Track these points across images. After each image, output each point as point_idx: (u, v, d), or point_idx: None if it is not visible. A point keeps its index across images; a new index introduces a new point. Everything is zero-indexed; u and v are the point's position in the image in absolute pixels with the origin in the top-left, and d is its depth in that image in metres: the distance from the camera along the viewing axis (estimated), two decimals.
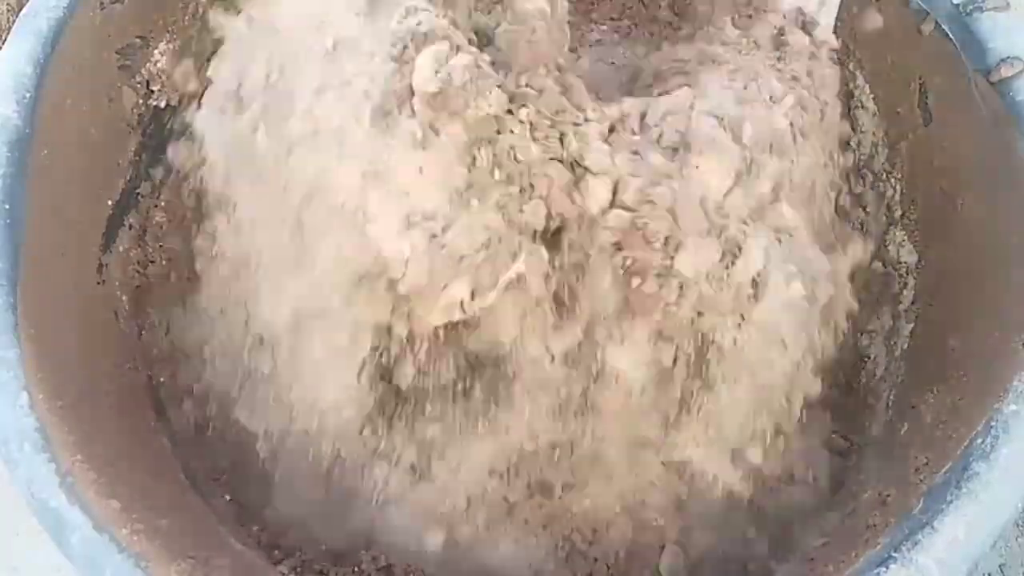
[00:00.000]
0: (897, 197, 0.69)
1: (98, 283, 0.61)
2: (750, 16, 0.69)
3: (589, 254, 0.54)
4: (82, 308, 0.58)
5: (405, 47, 0.52)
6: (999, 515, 0.45)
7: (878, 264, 0.71)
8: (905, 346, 0.65)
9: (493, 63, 0.52)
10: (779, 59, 0.65)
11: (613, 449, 0.60)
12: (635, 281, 0.53)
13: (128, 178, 0.66)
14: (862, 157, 0.73)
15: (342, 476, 0.63)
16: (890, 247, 0.70)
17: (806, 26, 0.68)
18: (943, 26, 0.59)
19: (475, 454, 0.60)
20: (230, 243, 0.64)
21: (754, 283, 0.54)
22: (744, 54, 0.65)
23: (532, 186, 0.52)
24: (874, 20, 0.68)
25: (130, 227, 0.66)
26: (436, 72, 0.50)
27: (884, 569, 0.44)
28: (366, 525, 0.63)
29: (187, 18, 0.69)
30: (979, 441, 0.47)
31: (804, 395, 0.61)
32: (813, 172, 0.63)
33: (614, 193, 0.53)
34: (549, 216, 0.52)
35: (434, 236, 0.51)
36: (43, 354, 0.50)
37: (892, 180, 0.70)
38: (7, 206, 0.51)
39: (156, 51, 0.67)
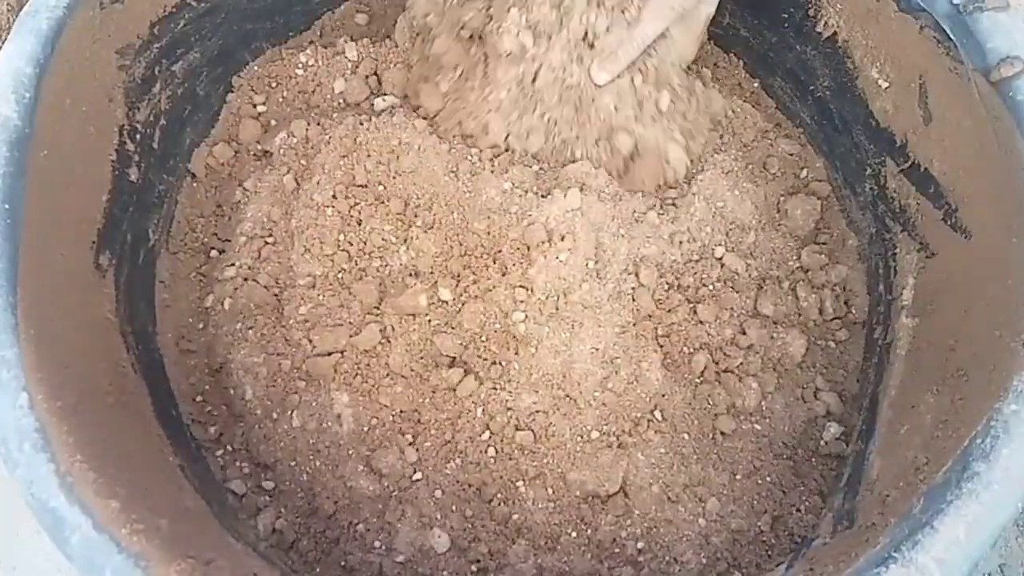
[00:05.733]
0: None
1: (97, 283, 0.61)
2: None
3: None
4: (82, 308, 0.58)
5: None
6: (999, 515, 0.45)
7: (878, 263, 0.71)
8: (905, 346, 0.65)
9: None
10: None
11: None
12: None
13: None
14: None
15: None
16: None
17: None
18: (943, 26, 0.59)
19: None
20: None
21: None
22: None
23: None
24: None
25: None
26: None
27: (884, 569, 0.44)
28: None
29: None
30: (979, 441, 0.47)
31: None
32: None
33: None
34: None
35: None
36: (43, 354, 0.50)
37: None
38: (7, 206, 0.51)
39: (156, 50, 0.67)
